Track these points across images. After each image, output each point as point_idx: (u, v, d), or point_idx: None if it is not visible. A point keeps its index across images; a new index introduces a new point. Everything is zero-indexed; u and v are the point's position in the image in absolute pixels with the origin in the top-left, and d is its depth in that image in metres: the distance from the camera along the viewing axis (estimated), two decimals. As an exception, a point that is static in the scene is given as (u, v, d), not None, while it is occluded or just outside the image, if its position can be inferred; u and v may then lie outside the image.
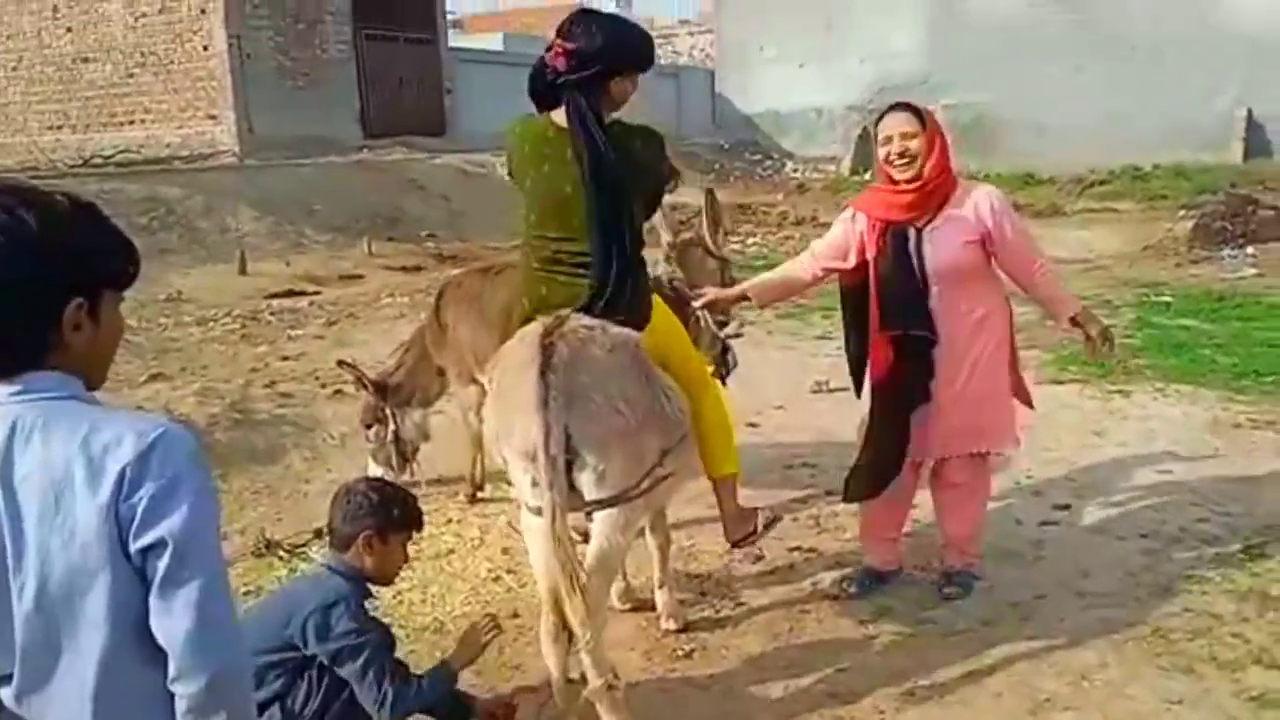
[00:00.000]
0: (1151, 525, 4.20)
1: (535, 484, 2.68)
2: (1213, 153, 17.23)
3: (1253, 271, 9.65)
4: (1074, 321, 3.56)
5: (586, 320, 2.85)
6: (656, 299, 3.27)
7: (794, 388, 6.36)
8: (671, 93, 22.94)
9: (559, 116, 2.98)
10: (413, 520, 2.79)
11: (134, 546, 1.37)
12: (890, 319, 3.52)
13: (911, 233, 3.46)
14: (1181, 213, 12.96)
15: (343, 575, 2.65)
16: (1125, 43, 18.23)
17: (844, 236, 3.65)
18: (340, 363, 4.96)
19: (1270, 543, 3.96)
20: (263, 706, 2.47)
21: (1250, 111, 17.73)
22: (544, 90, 3.01)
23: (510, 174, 3.26)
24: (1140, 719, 2.91)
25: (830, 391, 6.20)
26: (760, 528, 3.56)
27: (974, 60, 19.01)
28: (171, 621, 1.38)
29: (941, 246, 3.44)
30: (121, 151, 15.24)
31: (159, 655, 1.41)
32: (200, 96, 16.28)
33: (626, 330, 2.92)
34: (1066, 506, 4.43)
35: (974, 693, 3.10)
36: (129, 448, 1.38)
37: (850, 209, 3.70)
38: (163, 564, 1.37)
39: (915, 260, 3.44)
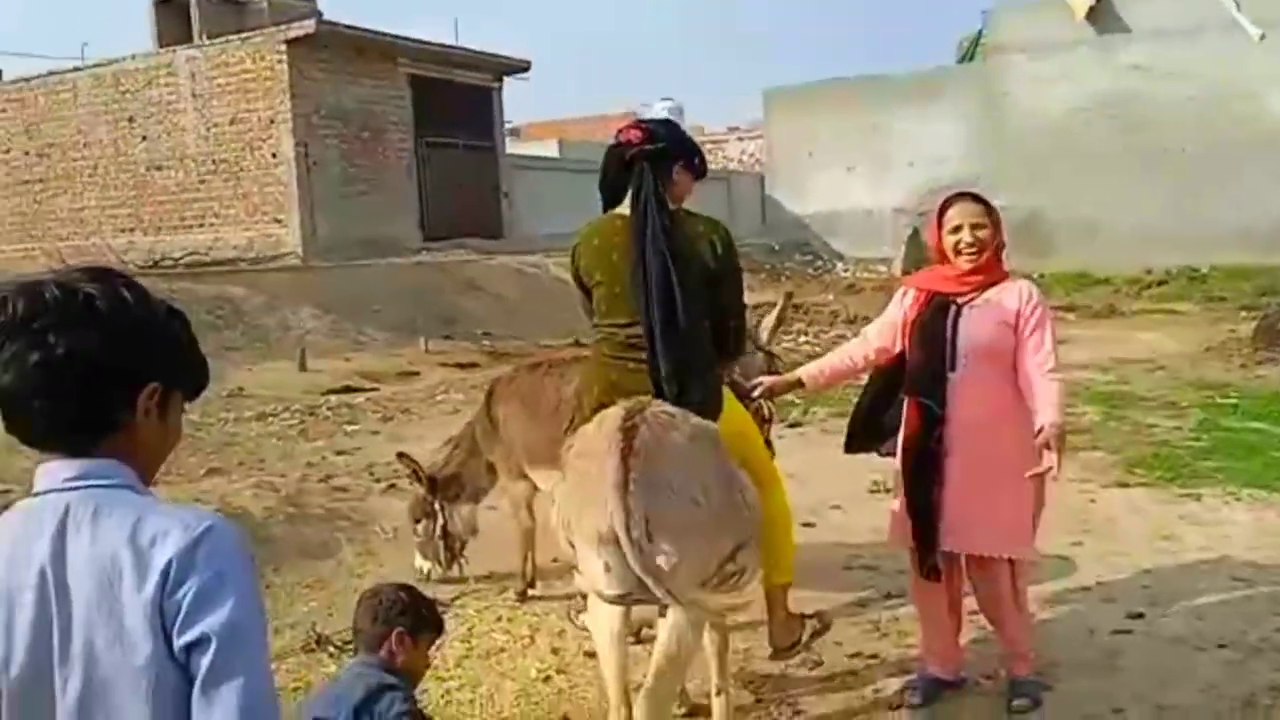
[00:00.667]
0: (1231, 635, 4.00)
1: (608, 569, 2.62)
2: (1268, 254, 17.03)
3: (1321, 373, 9.40)
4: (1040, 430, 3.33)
5: (668, 407, 2.85)
6: (726, 391, 3.29)
7: (852, 487, 6.23)
8: (722, 196, 23.34)
9: (625, 209, 3.13)
10: (437, 623, 2.82)
11: (179, 643, 1.34)
12: (912, 385, 3.53)
13: (953, 307, 3.47)
14: (1243, 314, 12.75)
15: (380, 670, 2.63)
16: (1175, 145, 18.26)
17: (893, 317, 3.66)
18: (400, 455, 5.00)
19: (1359, 655, 3.75)
20: None
21: (1305, 214, 17.57)
22: (614, 175, 3.18)
23: (575, 278, 3.34)
24: (1231, 844, 2.72)
25: (888, 491, 6.06)
26: (806, 637, 3.49)
27: (1022, 162, 19.15)
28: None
29: (977, 322, 3.44)
30: (191, 254, 15.77)
31: None
32: (268, 201, 16.88)
33: (707, 421, 2.92)
34: (1140, 615, 4.25)
35: (1048, 811, 2.93)
36: (176, 540, 1.35)
37: (903, 288, 3.75)
38: (206, 660, 1.33)
39: (949, 331, 3.45)
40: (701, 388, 3.08)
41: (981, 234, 3.43)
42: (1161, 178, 18.26)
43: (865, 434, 3.82)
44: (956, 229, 3.46)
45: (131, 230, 18.42)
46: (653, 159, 3.12)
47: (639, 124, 3.24)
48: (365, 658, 2.69)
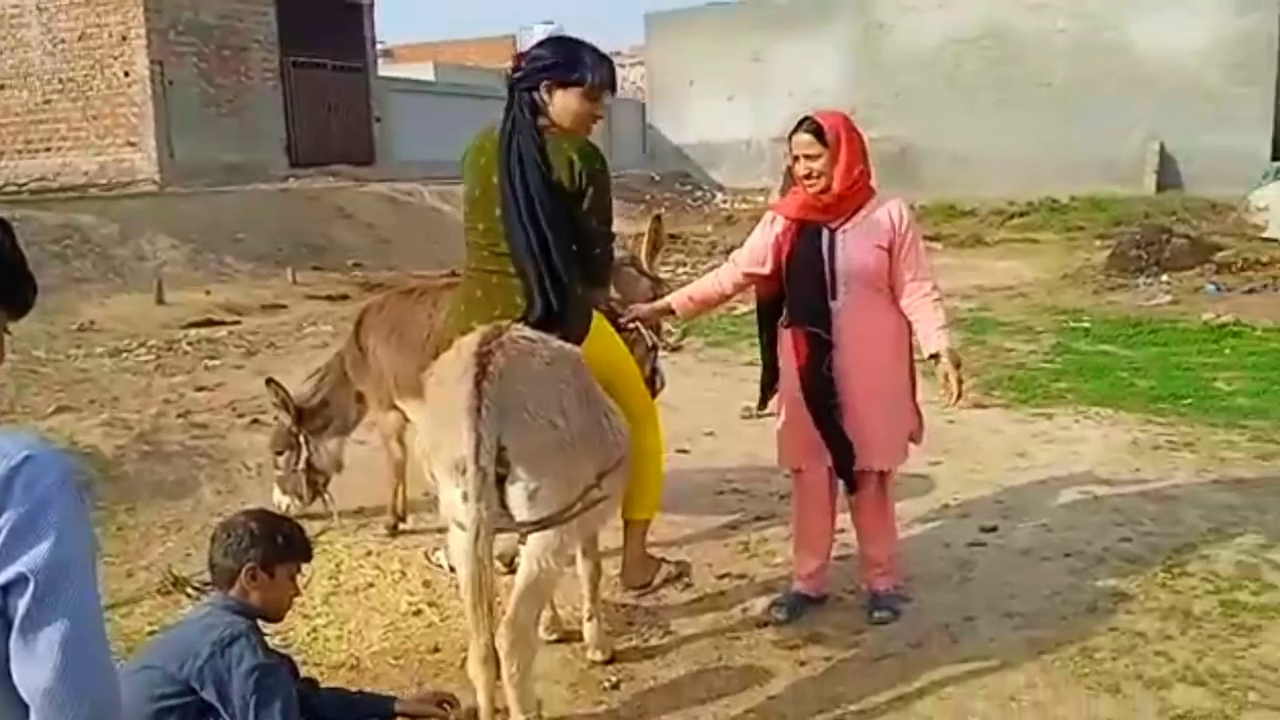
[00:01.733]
0: (1077, 546, 4.22)
1: (465, 498, 2.57)
2: (1127, 185, 17.81)
3: (1167, 299, 9.92)
4: (935, 357, 3.55)
5: (527, 331, 2.80)
6: (599, 317, 3.25)
7: (724, 414, 6.33)
8: (602, 123, 23.05)
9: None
10: (299, 550, 2.66)
11: None
12: (796, 315, 3.56)
13: (825, 232, 3.51)
14: (1098, 243, 13.34)
15: (231, 611, 2.52)
16: (1042, 80, 18.82)
17: (762, 240, 3.67)
18: (269, 381, 4.80)
19: (1191, 561, 4.00)
20: None
21: (1162, 146, 18.38)
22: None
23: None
24: (1068, 739, 2.89)
25: (759, 417, 6.17)
26: (658, 580, 3.53)
27: (897, 95, 19.48)
28: (31, 668, 1.24)
29: (853, 248, 3.48)
30: (37, 180, 14.80)
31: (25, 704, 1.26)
32: (120, 123, 15.91)
33: (569, 344, 2.88)
34: (994, 528, 4.44)
35: (904, 717, 3.05)
36: None
37: (770, 212, 3.75)
38: (23, 603, 1.23)
39: (826, 260, 3.49)
40: (566, 306, 3.06)
41: (815, 164, 3.46)
42: (1029, 110, 18.83)
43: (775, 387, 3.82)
44: (796, 159, 3.52)
45: (-30, 155, 17.16)
46: (520, 84, 3.13)
47: (518, 54, 3.24)
48: (217, 598, 2.58)
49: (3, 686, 1.27)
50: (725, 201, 21.36)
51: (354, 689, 3.03)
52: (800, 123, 3.56)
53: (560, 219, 3.06)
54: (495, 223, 3.11)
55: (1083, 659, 3.32)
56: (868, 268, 3.48)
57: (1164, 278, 10.80)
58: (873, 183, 3.60)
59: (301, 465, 4.64)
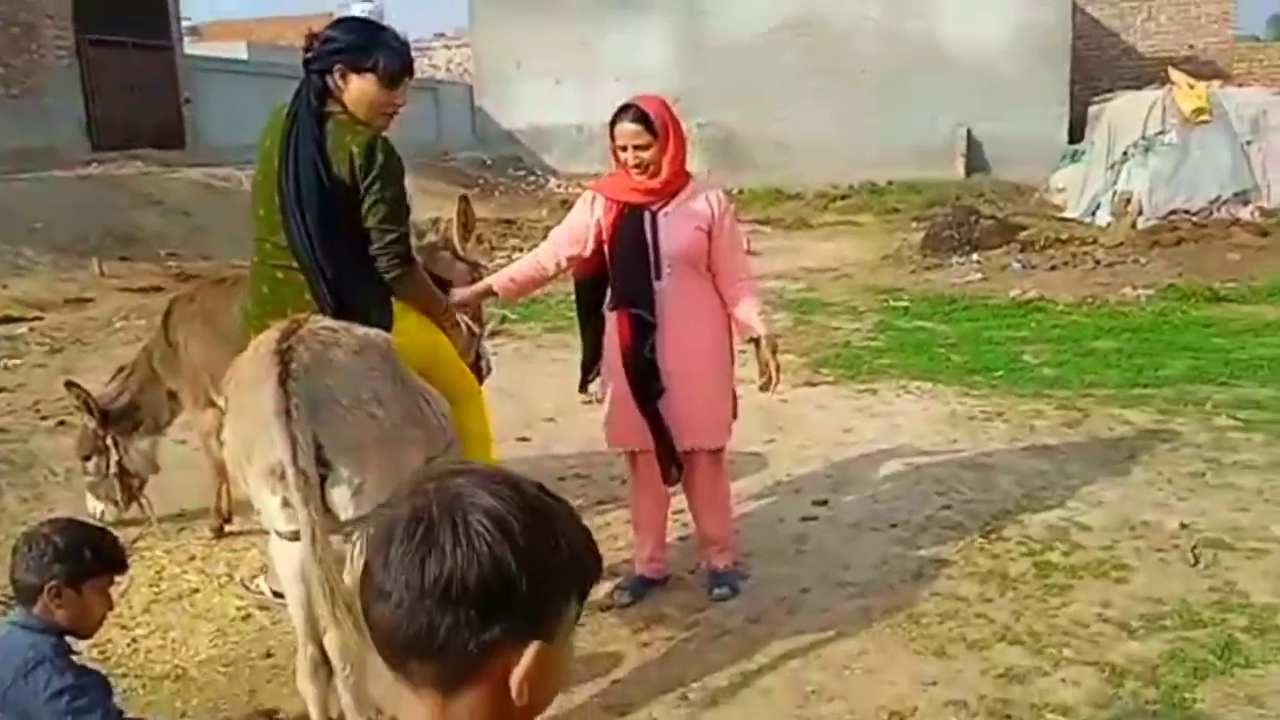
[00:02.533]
0: (902, 516, 4.42)
1: (286, 505, 2.46)
2: (939, 169, 18.71)
3: (978, 276, 10.50)
4: (755, 342, 3.70)
5: (327, 321, 2.68)
6: (403, 306, 3.13)
7: (564, 399, 6.28)
8: (430, 106, 22.53)
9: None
10: (109, 563, 2.45)
11: None
12: (620, 296, 3.60)
13: (647, 215, 3.55)
14: (914, 224, 13.97)
15: (34, 630, 2.33)
16: (856, 67, 19.52)
17: (582, 221, 3.67)
18: (68, 384, 4.48)
19: (1007, 525, 4.26)
20: None
21: (969, 131, 19.39)
22: None
23: None
24: (899, 702, 3.03)
25: (600, 402, 6.18)
26: None
27: (720, 81, 19.79)
28: None
29: (675, 229, 3.54)
30: None
31: None
32: (-107, 103, 14.49)
33: (375, 330, 2.77)
34: (825, 502, 4.61)
35: (745, 691, 3.13)
36: None
37: (589, 191, 3.74)
38: None
39: (650, 240, 3.53)
40: (357, 301, 2.93)
41: (645, 154, 3.49)
42: (846, 97, 19.48)
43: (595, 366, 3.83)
44: (623, 148, 3.52)
45: None
46: (311, 66, 2.98)
47: (312, 34, 3.06)
48: (19, 616, 2.38)
49: None
50: (559, 186, 21.26)
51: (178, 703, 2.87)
52: (623, 110, 3.54)
53: (335, 215, 2.92)
54: (274, 212, 2.96)
55: (910, 624, 3.48)
56: (689, 249, 3.55)
57: (974, 256, 11.42)
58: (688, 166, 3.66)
59: (112, 469, 4.35)
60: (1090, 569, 3.84)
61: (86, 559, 2.38)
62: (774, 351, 3.68)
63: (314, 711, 2.67)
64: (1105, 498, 4.50)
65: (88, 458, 4.39)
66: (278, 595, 3.40)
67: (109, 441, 4.36)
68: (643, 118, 3.49)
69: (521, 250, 13.38)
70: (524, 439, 5.57)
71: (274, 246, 3.01)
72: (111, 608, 2.54)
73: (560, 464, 5.22)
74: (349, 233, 2.93)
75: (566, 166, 22.03)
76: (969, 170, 19.14)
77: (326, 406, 2.48)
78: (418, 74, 3.29)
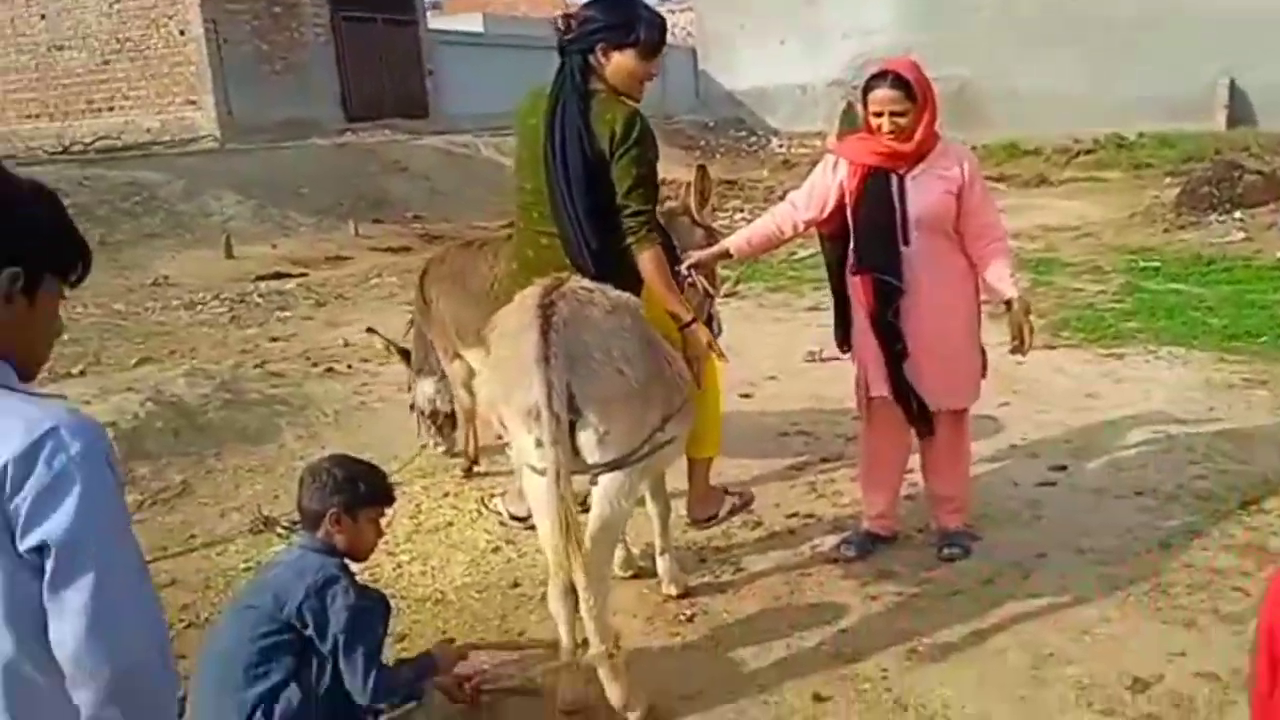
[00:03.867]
0: (1149, 484, 4.20)
1: (539, 444, 2.65)
2: (1196, 121, 17.25)
3: (1240, 236, 9.67)
4: (1007, 305, 3.55)
5: (587, 283, 2.86)
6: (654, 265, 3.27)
7: (787, 358, 6.35)
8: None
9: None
10: (381, 495, 2.76)
11: (22, 547, 1.29)
12: (865, 262, 3.54)
13: (894, 179, 3.48)
14: (1168, 180, 12.99)
15: (320, 553, 2.63)
16: (1102, 14, 18.21)
17: (823, 184, 3.64)
18: (369, 329, 5.19)
19: (1266, 498, 3.97)
20: (280, 687, 2.48)
21: (1233, 81, 17.75)
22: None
23: None
24: (1142, 669, 2.91)
25: (823, 361, 6.19)
26: (724, 512, 3.59)
27: (953, 33, 18.95)
28: (59, 628, 1.30)
29: (924, 193, 3.46)
30: (101, 138, 15.09)
31: None
32: (178, 82, 16.12)
33: (627, 294, 2.92)
34: (1063, 467, 4.44)
35: (977, 650, 3.10)
36: (16, 441, 1.29)
37: (831, 155, 3.70)
38: (50, 566, 1.29)
39: (897, 205, 3.47)
40: (609, 270, 3.07)
41: (902, 120, 3.41)
42: (1089, 46, 18.23)
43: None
44: (878, 114, 3.45)
45: (37, 116, 17.51)
46: (572, 46, 3.13)
47: (567, 15, 3.21)
48: (306, 539, 2.69)
49: (42, 644, 1.33)
50: (781, 146, 21.09)
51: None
52: (879, 76, 3.47)
53: (597, 186, 3.08)
54: (542, 185, 3.16)
55: (1157, 594, 3.33)
56: (939, 213, 3.46)
57: (1236, 214, 10.50)
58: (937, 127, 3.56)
59: (415, 406, 4.88)
60: (1364, 547, 3.54)
61: (361, 491, 2.69)
62: (1026, 313, 3.55)
63: (563, 631, 2.87)
64: (1386, 473, 4.11)
65: (409, 391, 4.98)
66: (514, 518, 3.65)
67: (408, 379, 4.94)
68: (901, 83, 3.41)
69: (743, 211, 13.44)
70: (746, 395, 5.65)
71: (540, 215, 3.21)
72: (381, 535, 2.84)
73: (784, 420, 5.27)
74: (609, 204, 3.09)
75: (789, 126, 21.81)
76: (1231, 122, 17.54)
77: (581, 360, 2.66)
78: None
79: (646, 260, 3.13)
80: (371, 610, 2.62)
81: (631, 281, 3.13)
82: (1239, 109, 17.81)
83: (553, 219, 3.16)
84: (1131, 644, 3.06)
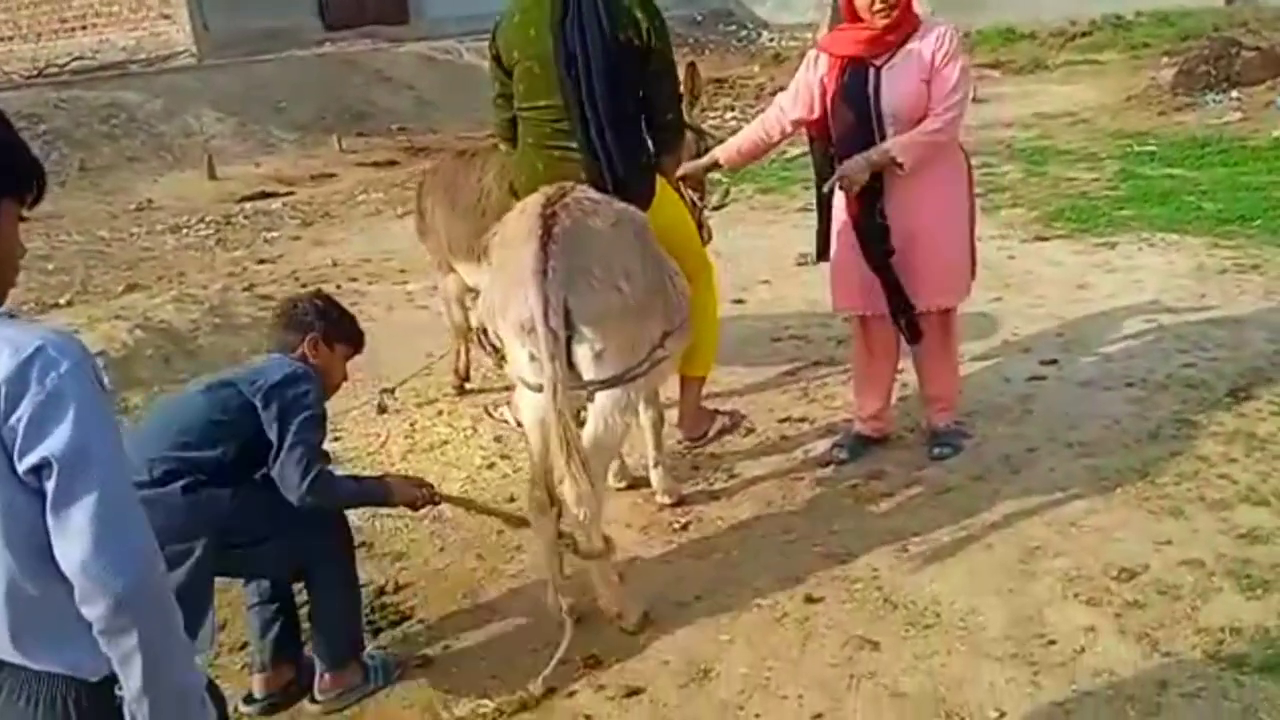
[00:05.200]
0: (1138, 374, 4.22)
1: (533, 358, 2.64)
2: (1195, -3, 16.80)
3: (1237, 115, 9.50)
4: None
5: (591, 193, 2.80)
6: (662, 182, 3.22)
7: (778, 261, 6.30)
8: (639, -35, 22.17)
9: None
10: (356, 336, 2.87)
11: (21, 468, 1.30)
12: (845, 157, 3.44)
13: (870, 70, 3.38)
14: (1165, 60, 12.70)
15: (296, 362, 2.67)
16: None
17: (806, 83, 3.55)
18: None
19: (1256, 384, 3.99)
20: (208, 464, 2.50)
21: (1234, -49, 17.23)
22: None
23: (494, 58, 3.21)
24: (1129, 559, 2.96)
25: (815, 264, 6.13)
26: (714, 432, 3.61)
27: (949, -88, 18.33)
28: (66, 544, 1.31)
29: (898, 84, 3.36)
30: (76, 59, 14.73)
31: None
32: (151, -4, 15.65)
33: (632, 207, 2.88)
34: (1054, 361, 4.44)
35: (966, 545, 3.14)
36: (5, 363, 1.29)
37: (813, 51, 3.60)
38: (51, 485, 1.30)
39: (872, 98, 3.38)
40: (633, 175, 3.04)
41: None
42: (1088, -79, 17.67)
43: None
44: None
45: (10, 38, 17.07)
46: None
47: None
48: (279, 356, 2.71)
49: (44, 563, 1.34)
50: (772, 40, 20.60)
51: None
52: None
53: (627, 87, 3.00)
54: (555, 99, 3.03)
55: (1144, 484, 3.37)
56: (913, 104, 3.36)
57: (1233, 94, 10.30)
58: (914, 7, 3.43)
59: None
60: (1353, 431, 3.56)
61: (341, 324, 2.81)
62: (872, 160, 3.32)
63: (542, 543, 2.91)
64: (1377, 356, 4.12)
65: None
66: (520, 424, 3.67)
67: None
68: None
69: (734, 109, 13.20)
70: (739, 300, 5.63)
71: (553, 129, 3.07)
72: (346, 378, 2.93)
73: (776, 325, 5.26)
74: (631, 102, 3.03)
75: (778, 18, 21.28)
76: (1231, -3, 17.08)
77: (580, 274, 2.61)
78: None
79: (669, 165, 3.17)
80: (323, 423, 2.62)
81: (647, 188, 3.11)
82: (1240, -18, 17.35)
83: (569, 133, 3.04)
84: (1118, 534, 3.11)
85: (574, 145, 3.05)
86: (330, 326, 2.76)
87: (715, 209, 4.32)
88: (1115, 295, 5.19)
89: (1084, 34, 16.25)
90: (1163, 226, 6.25)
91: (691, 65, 4.13)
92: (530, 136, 3.17)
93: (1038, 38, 16.28)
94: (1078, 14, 16.77)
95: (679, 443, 3.74)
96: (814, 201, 3.87)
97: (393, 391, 4.61)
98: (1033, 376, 4.32)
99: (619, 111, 3.01)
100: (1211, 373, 4.15)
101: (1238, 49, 11.15)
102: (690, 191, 3.85)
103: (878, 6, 3.32)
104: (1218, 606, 2.73)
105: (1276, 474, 3.34)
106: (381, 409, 4.54)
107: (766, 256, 6.41)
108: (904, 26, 3.37)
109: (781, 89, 3.87)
